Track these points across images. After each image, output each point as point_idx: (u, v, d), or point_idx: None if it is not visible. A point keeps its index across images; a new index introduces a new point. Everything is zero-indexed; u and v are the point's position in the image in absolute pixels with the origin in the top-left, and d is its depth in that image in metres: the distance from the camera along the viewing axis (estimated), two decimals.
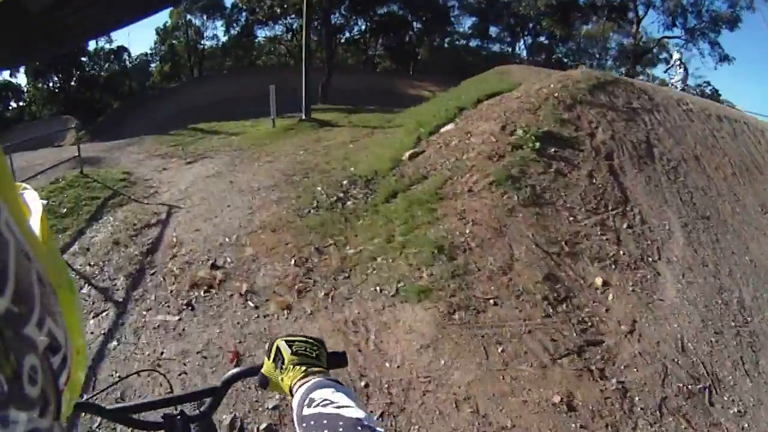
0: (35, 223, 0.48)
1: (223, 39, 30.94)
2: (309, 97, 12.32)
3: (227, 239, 5.32)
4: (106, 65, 30.44)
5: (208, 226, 5.72)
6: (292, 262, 4.76)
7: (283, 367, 0.77)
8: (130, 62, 31.69)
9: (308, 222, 5.50)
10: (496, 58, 29.62)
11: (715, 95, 26.29)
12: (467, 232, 4.99)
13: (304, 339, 0.81)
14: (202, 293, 4.43)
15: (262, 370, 0.82)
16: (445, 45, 32.35)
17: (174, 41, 30.68)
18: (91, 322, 4.31)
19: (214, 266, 4.80)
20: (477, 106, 8.18)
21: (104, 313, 4.40)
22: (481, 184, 5.69)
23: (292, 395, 0.72)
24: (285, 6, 23.67)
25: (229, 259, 4.91)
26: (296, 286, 4.41)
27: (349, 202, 5.98)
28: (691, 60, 24.05)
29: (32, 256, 0.30)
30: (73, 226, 6.11)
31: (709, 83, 28.99)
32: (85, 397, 1.28)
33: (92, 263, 5.22)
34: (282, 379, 0.76)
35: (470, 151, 6.40)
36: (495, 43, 33.11)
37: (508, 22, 31.24)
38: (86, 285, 4.86)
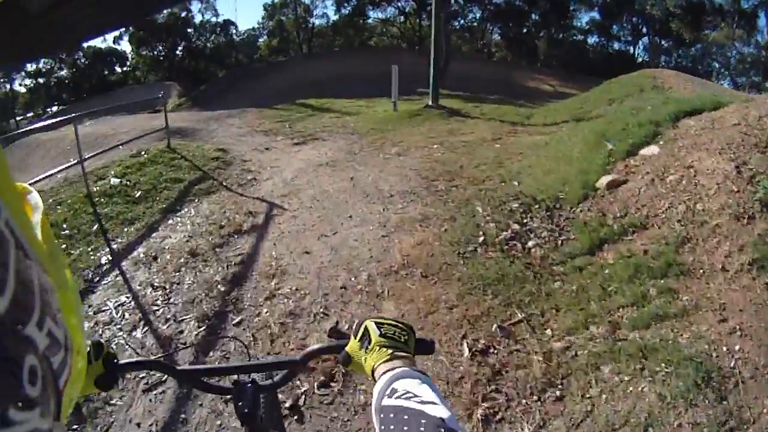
0: (36, 222, 0.45)
1: (334, 18, 30.16)
2: (436, 81, 10.26)
3: (353, 279, 3.40)
4: (212, 37, 30.62)
5: (324, 248, 3.85)
6: (466, 349, 2.72)
7: (369, 347, 0.71)
8: (237, 36, 31.74)
9: (476, 268, 3.42)
10: (617, 58, 26.88)
11: None
12: (736, 348, 2.61)
13: (394, 322, 0.75)
14: (316, 387, 2.53)
15: (347, 348, 0.75)
16: (561, 38, 30.43)
17: (282, 17, 30.29)
18: (140, 406, 2.60)
19: (334, 332, 2.89)
20: (677, 125, 5.53)
21: (159, 391, 2.66)
22: (736, 262, 3.19)
23: (374, 377, 0.67)
24: None
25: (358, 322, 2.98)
26: (479, 407, 2.36)
27: (530, 243, 3.80)
28: None
29: (32, 256, 0.29)
30: (143, 217, 4.56)
31: None
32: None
33: (156, 284, 3.57)
34: (365, 360, 0.70)
35: (704, 198, 3.88)
36: (614, 41, 31.29)
37: (630, 20, 29.54)
38: (142, 324, 3.19)
